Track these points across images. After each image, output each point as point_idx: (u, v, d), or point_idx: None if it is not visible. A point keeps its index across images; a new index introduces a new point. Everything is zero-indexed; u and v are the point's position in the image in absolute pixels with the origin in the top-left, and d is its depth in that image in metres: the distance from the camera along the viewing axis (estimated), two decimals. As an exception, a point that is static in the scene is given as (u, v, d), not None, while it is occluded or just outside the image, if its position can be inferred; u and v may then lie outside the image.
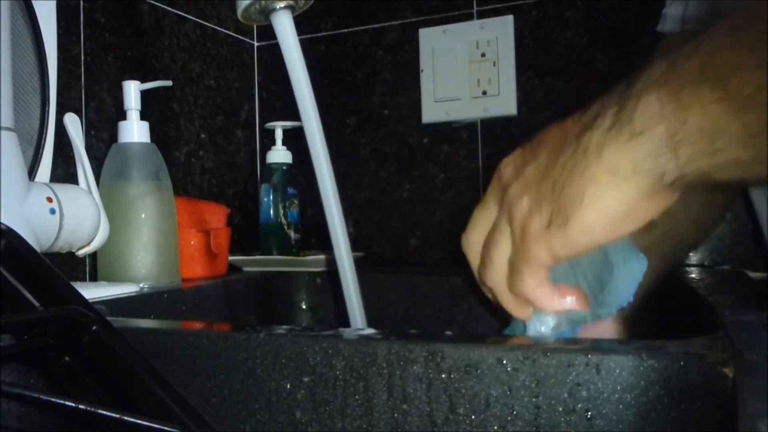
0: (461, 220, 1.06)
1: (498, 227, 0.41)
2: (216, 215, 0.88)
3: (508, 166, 0.42)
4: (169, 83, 0.82)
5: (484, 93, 0.99)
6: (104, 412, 0.26)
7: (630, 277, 0.40)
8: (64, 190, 0.65)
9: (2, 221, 0.40)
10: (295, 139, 0.99)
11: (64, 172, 0.75)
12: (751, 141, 0.31)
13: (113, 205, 0.72)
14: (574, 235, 0.37)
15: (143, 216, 0.73)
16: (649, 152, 0.33)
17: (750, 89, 0.30)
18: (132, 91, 0.76)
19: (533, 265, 0.39)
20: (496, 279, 0.42)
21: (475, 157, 1.00)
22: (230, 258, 0.89)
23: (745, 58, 0.31)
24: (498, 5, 0.99)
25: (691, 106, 0.32)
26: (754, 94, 0.30)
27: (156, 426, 0.27)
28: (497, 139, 0.99)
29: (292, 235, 0.98)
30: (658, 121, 0.33)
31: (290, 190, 0.99)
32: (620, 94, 0.35)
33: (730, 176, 0.33)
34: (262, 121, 1.12)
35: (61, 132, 0.72)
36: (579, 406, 0.34)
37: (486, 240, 0.42)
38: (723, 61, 0.31)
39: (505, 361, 0.35)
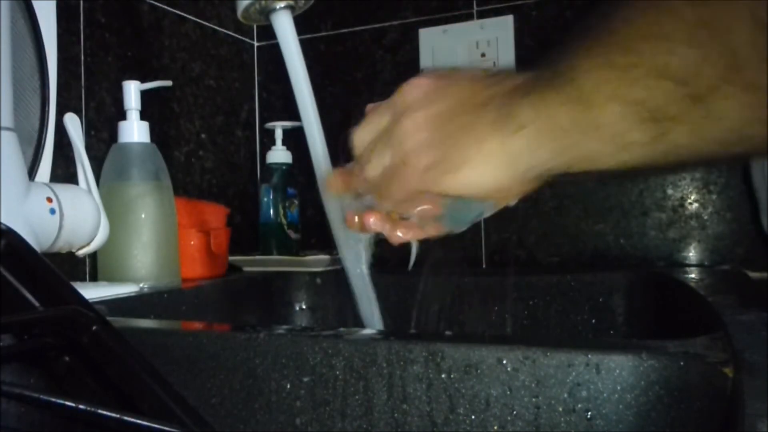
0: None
1: (388, 140, 0.45)
2: (216, 215, 0.88)
3: (417, 89, 0.44)
4: (169, 83, 0.82)
5: (484, 93, 0.99)
6: (104, 412, 0.26)
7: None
8: (64, 190, 0.65)
9: (2, 221, 0.40)
10: (295, 139, 0.99)
11: (64, 172, 0.75)
12: (596, 134, 0.36)
13: (113, 205, 0.72)
14: (449, 184, 0.43)
15: (143, 216, 0.73)
16: (524, 147, 0.39)
17: (585, 91, 0.36)
18: (132, 91, 0.76)
19: (399, 189, 0.46)
20: (372, 176, 0.47)
21: (475, 157, 1.00)
22: (230, 258, 0.89)
23: (581, 62, 0.36)
24: (498, 5, 0.99)
25: (547, 108, 0.38)
26: (589, 95, 0.36)
27: (156, 426, 0.27)
28: (497, 139, 0.99)
29: (292, 235, 0.98)
30: (531, 122, 0.38)
31: (290, 190, 0.99)
32: (514, 86, 0.40)
33: (588, 168, 0.39)
34: (262, 121, 1.12)
35: (61, 132, 0.72)
36: (579, 406, 0.34)
37: (373, 144, 0.47)
38: (565, 67, 0.37)
39: (505, 361, 0.35)
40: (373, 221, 0.50)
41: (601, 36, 0.36)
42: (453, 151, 0.42)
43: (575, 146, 0.38)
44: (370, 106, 0.49)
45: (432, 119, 0.43)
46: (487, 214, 0.49)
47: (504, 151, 0.40)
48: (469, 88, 0.43)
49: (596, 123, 0.36)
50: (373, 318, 0.57)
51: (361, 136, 0.48)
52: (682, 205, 0.92)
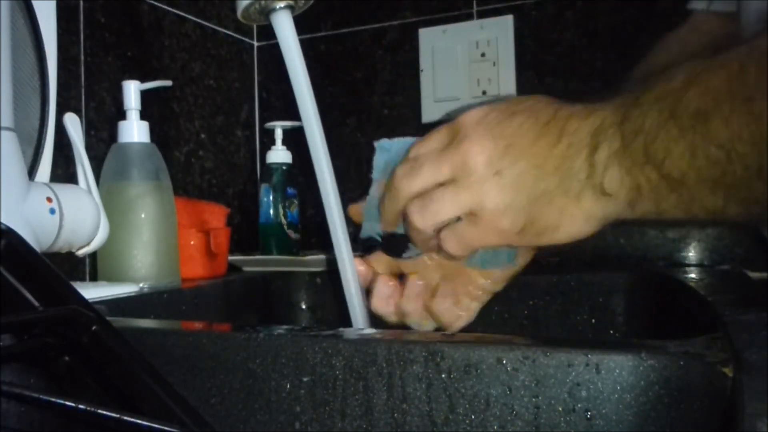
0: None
1: (457, 198, 0.46)
2: (216, 215, 0.88)
3: (481, 154, 0.45)
4: (169, 83, 0.82)
5: (484, 93, 0.99)
6: (104, 412, 0.26)
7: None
8: (64, 190, 0.65)
9: (2, 221, 0.40)
10: (295, 139, 0.99)
11: (64, 172, 0.75)
12: (685, 207, 0.40)
13: (113, 205, 0.72)
14: (538, 243, 0.47)
15: (143, 216, 0.73)
16: (615, 208, 0.43)
17: (678, 173, 0.39)
18: (132, 91, 0.75)
19: (477, 245, 0.48)
20: (429, 231, 0.49)
21: (475, 157, 1.00)
22: (230, 258, 0.89)
23: (674, 144, 0.38)
24: (498, 5, 0.99)
25: (641, 182, 0.41)
26: (681, 176, 0.39)
27: (156, 426, 0.27)
28: (497, 139, 0.99)
29: (292, 235, 0.98)
30: (620, 189, 0.42)
31: (290, 190, 0.99)
32: (590, 147, 0.43)
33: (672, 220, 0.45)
34: (262, 121, 1.12)
35: (61, 132, 0.72)
36: (579, 406, 0.34)
37: (433, 195, 0.47)
38: (657, 147, 0.39)
39: (504, 361, 0.35)
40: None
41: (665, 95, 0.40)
42: (541, 220, 0.45)
43: (666, 212, 0.41)
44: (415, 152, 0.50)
45: (510, 185, 0.45)
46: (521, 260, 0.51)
47: (594, 213, 0.44)
48: (537, 148, 0.45)
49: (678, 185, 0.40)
50: (357, 317, 0.56)
51: (415, 187, 0.48)
52: (682, 205, 0.91)
